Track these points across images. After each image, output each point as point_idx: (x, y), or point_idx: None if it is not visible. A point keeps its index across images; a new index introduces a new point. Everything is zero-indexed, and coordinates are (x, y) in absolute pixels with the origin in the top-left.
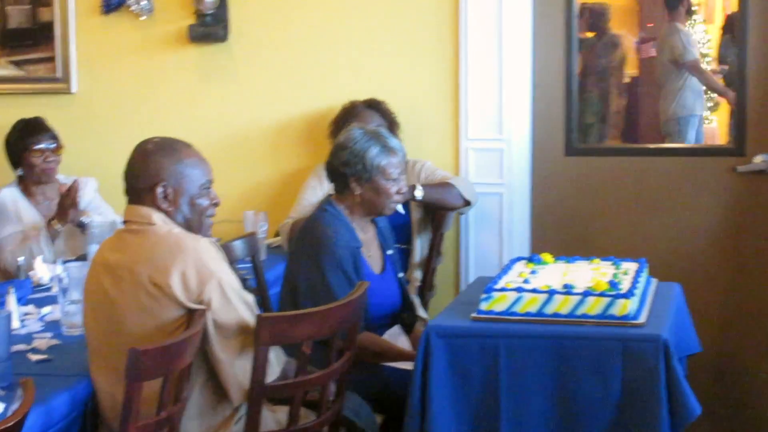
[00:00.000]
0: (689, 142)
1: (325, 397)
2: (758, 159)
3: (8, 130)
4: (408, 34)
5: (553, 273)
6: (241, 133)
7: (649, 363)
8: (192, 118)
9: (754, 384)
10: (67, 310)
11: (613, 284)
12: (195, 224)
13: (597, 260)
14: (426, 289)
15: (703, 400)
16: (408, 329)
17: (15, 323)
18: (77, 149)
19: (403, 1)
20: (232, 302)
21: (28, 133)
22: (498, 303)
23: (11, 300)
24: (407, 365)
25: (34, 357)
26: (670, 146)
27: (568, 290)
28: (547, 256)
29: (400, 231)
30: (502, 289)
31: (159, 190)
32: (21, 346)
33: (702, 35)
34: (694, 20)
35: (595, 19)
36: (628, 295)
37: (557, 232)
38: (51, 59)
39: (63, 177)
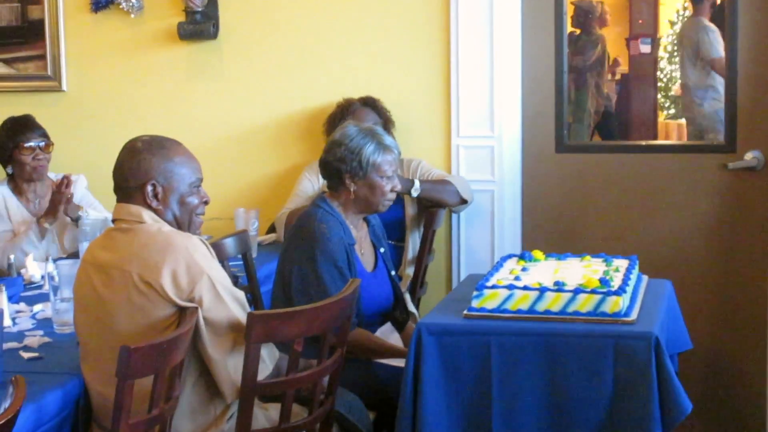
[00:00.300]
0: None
1: (317, 394)
2: (749, 156)
3: None
4: (398, 32)
5: (545, 270)
6: (231, 130)
7: (641, 360)
8: (182, 116)
9: (745, 381)
10: (58, 308)
11: (604, 281)
12: (184, 222)
13: (588, 257)
14: (417, 285)
15: (694, 397)
16: (400, 327)
17: (6, 321)
18: (67, 147)
19: (393, 0)
20: (224, 300)
21: (18, 131)
22: (489, 300)
23: (2, 298)
24: (400, 362)
25: (26, 355)
26: (661, 143)
27: (559, 287)
28: (538, 253)
29: (392, 227)
30: (494, 287)
31: (149, 188)
32: (12, 344)
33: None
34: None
35: (582, 16)
36: (619, 292)
37: (548, 229)
38: (41, 57)
39: (53, 175)
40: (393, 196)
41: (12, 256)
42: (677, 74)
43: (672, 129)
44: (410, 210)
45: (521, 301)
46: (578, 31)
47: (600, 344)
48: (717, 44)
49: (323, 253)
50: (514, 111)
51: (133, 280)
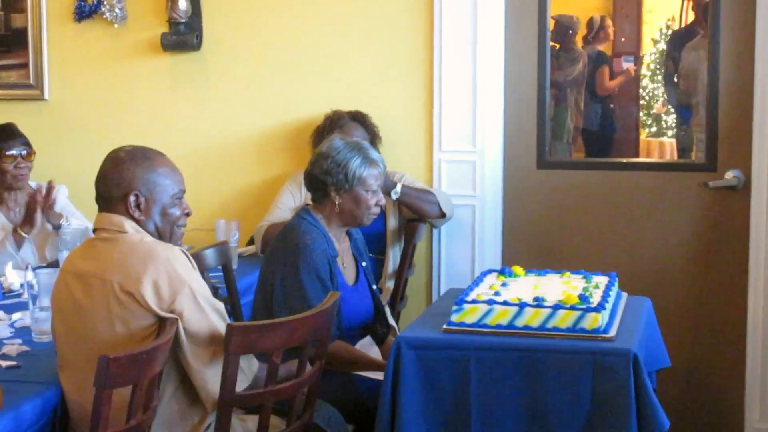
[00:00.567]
0: None
1: (296, 406)
2: (729, 175)
3: None
4: (382, 46)
5: (524, 286)
6: (213, 141)
7: (619, 377)
8: (165, 126)
9: (723, 398)
10: (37, 317)
11: (583, 298)
12: (166, 233)
13: (568, 273)
14: (397, 299)
15: (672, 414)
16: (380, 340)
17: None
18: (49, 156)
19: (377, 13)
20: (205, 311)
21: (6, 138)
22: (469, 315)
23: None
24: (379, 375)
25: (4, 363)
26: (642, 161)
27: (539, 303)
28: (518, 269)
29: (374, 240)
30: (474, 301)
31: (131, 198)
32: None
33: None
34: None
35: (562, 31)
36: (598, 308)
37: (529, 245)
38: (24, 65)
39: (35, 184)
40: (377, 210)
41: None
42: (659, 92)
43: (654, 147)
44: (392, 223)
45: (501, 316)
46: (557, 46)
47: (579, 360)
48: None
49: (306, 264)
50: (497, 126)
51: (113, 290)
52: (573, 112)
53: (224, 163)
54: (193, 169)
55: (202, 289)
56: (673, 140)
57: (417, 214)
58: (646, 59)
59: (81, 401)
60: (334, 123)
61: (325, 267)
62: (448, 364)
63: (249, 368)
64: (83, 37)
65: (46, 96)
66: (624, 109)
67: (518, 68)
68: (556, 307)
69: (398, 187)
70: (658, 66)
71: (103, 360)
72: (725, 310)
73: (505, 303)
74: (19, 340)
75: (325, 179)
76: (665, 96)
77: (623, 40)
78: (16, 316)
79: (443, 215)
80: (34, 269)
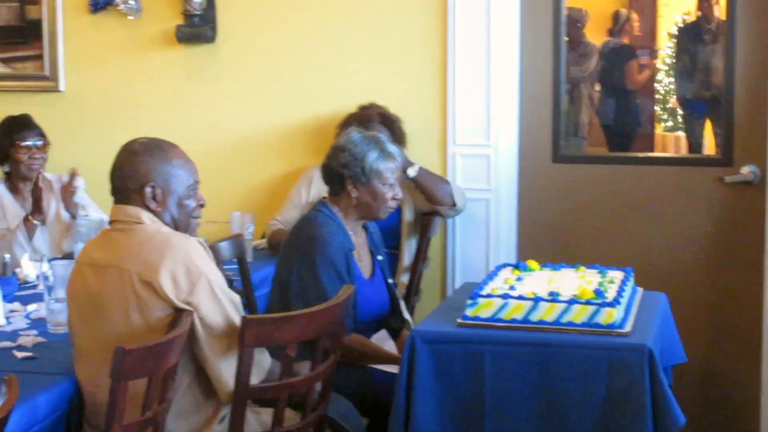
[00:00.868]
0: None
1: (311, 399)
2: (746, 170)
3: None
4: (396, 39)
5: (539, 280)
6: (228, 134)
7: (634, 372)
8: (179, 119)
9: (739, 394)
10: (52, 308)
11: (598, 292)
12: (182, 224)
13: (583, 268)
14: (412, 293)
15: (688, 410)
16: (395, 334)
17: (0, 320)
18: (64, 147)
19: (392, 6)
20: (221, 302)
21: (15, 130)
22: (484, 309)
23: None
24: (394, 368)
25: (20, 354)
26: (658, 155)
27: (553, 298)
28: (533, 263)
29: (388, 234)
30: (488, 296)
31: (148, 189)
32: (6, 343)
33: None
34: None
35: (571, 25)
36: (613, 303)
37: (544, 239)
38: (39, 57)
39: (50, 175)
40: (394, 204)
41: (7, 255)
42: (675, 86)
43: (669, 141)
44: (407, 216)
45: (515, 310)
46: (566, 39)
47: (594, 355)
48: None
49: (323, 257)
50: (511, 120)
51: (131, 280)
52: (586, 106)
53: (239, 155)
54: (208, 161)
55: (219, 280)
56: (689, 135)
57: (429, 199)
58: (662, 53)
59: (96, 393)
60: (362, 121)
61: (341, 260)
62: (462, 358)
63: (262, 363)
64: (98, 28)
65: (61, 87)
66: (639, 103)
67: (533, 61)
68: (571, 301)
69: (416, 166)
70: (673, 60)
71: (119, 352)
72: (741, 306)
73: (519, 297)
74: (35, 332)
75: (342, 172)
76: (680, 90)
77: (639, 34)
78: (31, 307)
79: (454, 205)
80: (49, 260)
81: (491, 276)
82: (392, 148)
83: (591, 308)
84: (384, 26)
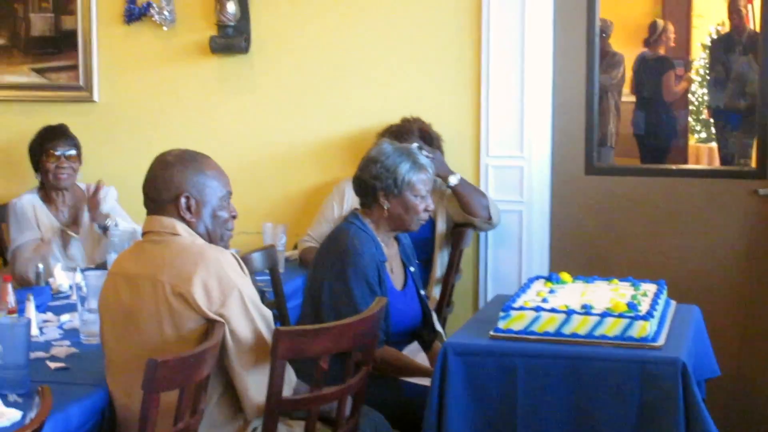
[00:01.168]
0: None
1: (342, 412)
2: None
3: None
4: (430, 51)
5: (572, 293)
6: (260, 144)
7: (667, 386)
8: (212, 129)
9: None
10: (85, 319)
11: (631, 305)
12: (215, 236)
13: (616, 281)
14: (444, 305)
15: (721, 424)
16: (426, 346)
17: (34, 330)
18: (98, 157)
19: (425, 17)
20: (252, 316)
21: (48, 138)
22: (516, 322)
23: (30, 307)
24: (426, 381)
25: (53, 365)
26: (692, 167)
27: (586, 311)
28: (565, 276)
29: (421, 246)
30: (521, 308)
31: (182, 200)
32: (39, 354)
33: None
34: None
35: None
36: (647, 316)
37: (576, 251)
38: (73, 67)
39: (84, 185)
40: (426, 215)
41: (41, 266)
42: (708, 97)
43: (703, 153)
44: (440, 227)
45: (548, 323)
46: None
47: (626, 369)
48: None
49: (355, 269)
50: (544, 131)
51: (164, 291)
52: (613, 116)
53: (271, 166)
54: (241, 172)
55: (252, 294)
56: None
57: (466, 209)
58: (695, 64)
59: (128, 404)
60: (401, 134)
61: (373, 272)
62: (494, 371)
63: (291, 377)
64: (132, 39)
65: (96, 98)
66: (673, 114)
67: (566, 73)
68: (604, 314)
69: (457, 175)
70: (707, 71)
71: (151, 363)
72: None
73: (552, 310)
74: (68, 342)
75: (374, 184)
76: (714, 101)
77: (674, 45)
78: (64, 317)
79: (490, 219)
80: (82, 271)
81: (524, 288)
82: (424, 159)
83: (624, 321)
84: (417, 37)
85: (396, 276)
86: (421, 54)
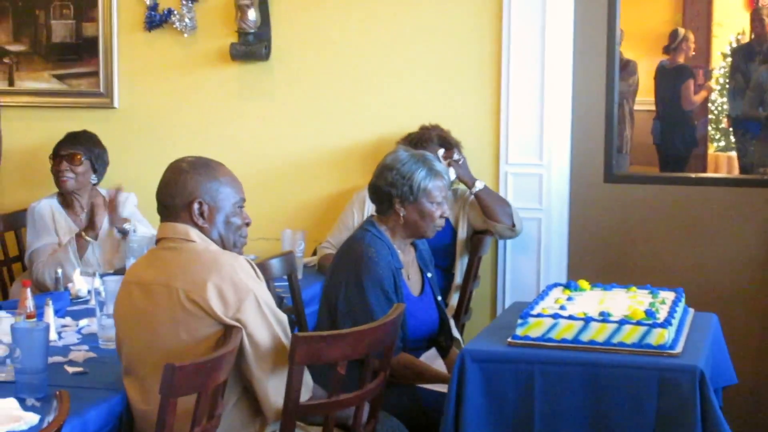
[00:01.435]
0: None
1: (359, 419)
2: None
3: None
4: (450, 59)
5: (590, 300)
6: (280, 151)
7: (685, 393)
8: (232, 136)
9: None
10: (104, 324)
11: (650, 313)
12: (230, 242)
13: (634, 288)
14: (462, 311)
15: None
16: (444, 352)
17: (52, 335)
18: (118, 164)
19: (445, 24)
20: (268, 320)
21: (61, 142)
22: (534, 329)
23: (49, 312)
24: (443, 387)
25: (71, 369)
26: (711, 176)
27: (604, 318)
28: (583, 283)
29: (442, 253)
30: (539, 315)
31: (195, 206)
32: (58, 358)
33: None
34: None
35: None
36: (665, 324)
37: (595, 259)
38: (94, 74)
39: (103, 190)
40: (442, 222)
41: (59, 271)
42: (728, 106)
43: (722, 161)
44: (461, 234)
45: (566, 330)
46: None
47: (644, 376)
48: None
49: (370, 276)
50: (564, 139)
51: (179, 297)
52: (628, 123)
53: (291, 173)
54: (260, 178)
55: (267, 299)
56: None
57: (489, 217)
58: (715, 73)
59: (146, 408)
60: (420, 141)
61: (389, 279)
62: (512, 378)
63: (308, 381)
64: (153, 46)
65: (116, 104)
66: (692, 123)
67: (586, 81)
68: (622, 322)
69: (479, 183)
70: (726, 80)
71: (168, 368)
72: None
73: (570, 317)
74: (86, 347)
75: (389, 191)
76: (733, 110)
77: (694, 53)
78: (83, 322)
79: (513, 227)
80: (101, 276)
81: (542, 295)
82: (440, 166)
83: (642, 329)
84: (437, 45)
85: (413, 282)
86: (441, 61)
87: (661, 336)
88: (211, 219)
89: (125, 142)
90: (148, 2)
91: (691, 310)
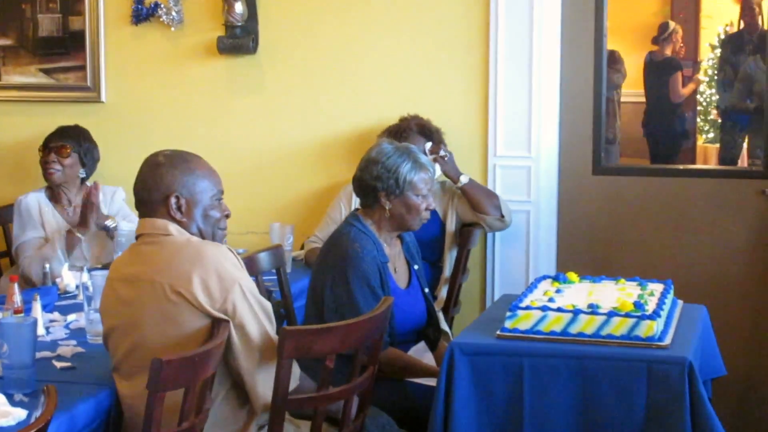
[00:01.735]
0: None
1: (348, 412)
2: None
3: None
4: (438, 51)
5: (579, 292)
6: (269, 145)
7: (674, 385)
8: (220, 129)
9: None
10: (91, 318)
11: (638, 305)
12: (209, 235)
13: (623, 280)
14: (451, 304)
15: (727, 423)
16: (433, 345)
17: (40, 330)
18: (106, 158)
19: (433, 17)
20: (255, 309)
21: (52, 133)
22: (523, 321)
23: (37, 307)
24: (432, 381)
25: (59, 364)
26: (698, 167)
27: (593, 310)
28: (572, 275)
29: (431, 246)
30: (527, 308)
31: (172, 200)
32: (46, 353)
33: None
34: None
35: None
36: (653, 316)
37: (583, 251)
38: (81, 68)
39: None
40: (427, 214)
41: (47, 266)
42: (716, 98)
43: (711, 153)
44: (450, 227)
45: (555, 322)
46: None
47: (633, 368)
48: None
49: (356, 272)
50: (552, 132)
51: (164, 291)
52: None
53: (279, 166)
54: (248, 172)
55: (252, 287)
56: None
57: (476, 208)
58: (704, 65)
59: (134, 403)
60: (399, 133)
61: (375, 274)
62: (501, 371)
63: (294, 371)
64: (140, 40)
65: (103, 98)
66: (681, 115)
67: (574, 73)
68: (611, 314)
69: (464, 178)
70: (715, 71)
71: (156, 363)
72: None
73: (559, 309)
74: (74, 342)
75: (375, 185)
76: (722, 102)
77: (682, 45)
78: (71, 317)
79: (502, 218)
80: (89, 271)
81: (531, 288)
82: (424, 158)
83: (630, 321)
84: (426, 38)
85: (400, 275)
86: (430, 55)
87: (649, 328)
88: (189, 213)
89: (113, 136)
90: None
91: (680, 302)
